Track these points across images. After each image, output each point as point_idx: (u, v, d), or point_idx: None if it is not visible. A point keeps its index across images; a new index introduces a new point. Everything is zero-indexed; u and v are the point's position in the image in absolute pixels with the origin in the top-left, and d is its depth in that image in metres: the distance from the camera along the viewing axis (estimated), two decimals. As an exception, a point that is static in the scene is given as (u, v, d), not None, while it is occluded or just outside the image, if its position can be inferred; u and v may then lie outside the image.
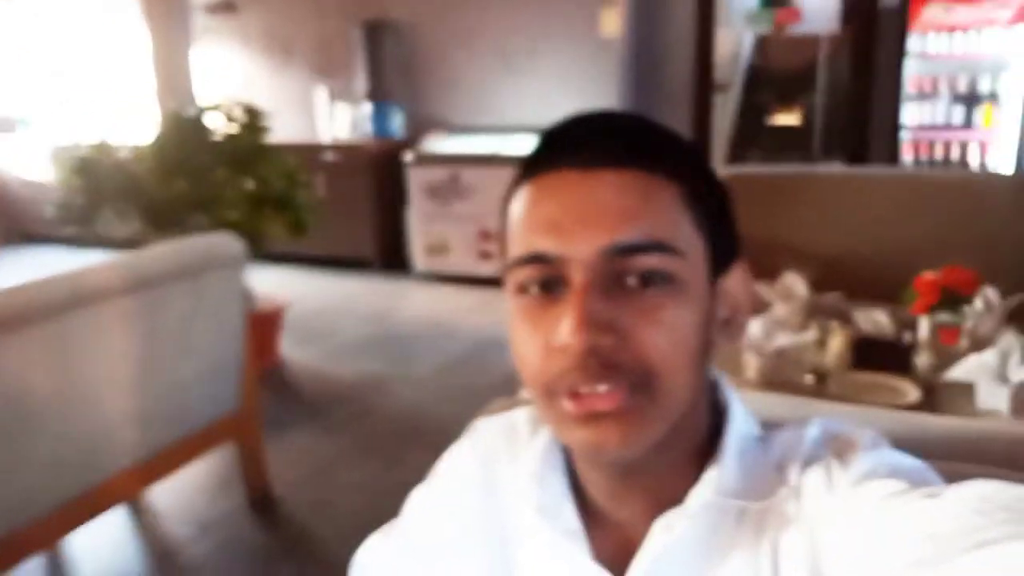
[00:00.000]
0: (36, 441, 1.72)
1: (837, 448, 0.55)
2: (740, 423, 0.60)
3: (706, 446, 0.59)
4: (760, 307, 2.09)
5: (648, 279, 0.51)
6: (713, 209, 0.56)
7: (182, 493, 2.48)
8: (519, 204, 0.56)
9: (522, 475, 0.62)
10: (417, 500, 0.71)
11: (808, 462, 0.55)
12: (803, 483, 0.54)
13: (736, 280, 0.59)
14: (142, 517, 2.38)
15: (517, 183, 0.57)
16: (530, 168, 0.56)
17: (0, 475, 1.65)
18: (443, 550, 0.67)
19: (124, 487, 2.03)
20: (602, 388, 0.51)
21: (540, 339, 0.52)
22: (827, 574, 0.50)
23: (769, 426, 0.61)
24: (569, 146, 0.54)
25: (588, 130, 0.55)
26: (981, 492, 0.43)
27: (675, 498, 0.56)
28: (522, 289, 0.54)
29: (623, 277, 0.51)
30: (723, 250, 0.57)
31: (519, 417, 0.69)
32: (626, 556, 0.57)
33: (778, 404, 0.87)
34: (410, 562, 0.69)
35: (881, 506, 0.47)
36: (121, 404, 1.94)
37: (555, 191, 0.53)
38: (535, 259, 0.53)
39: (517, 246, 0.54)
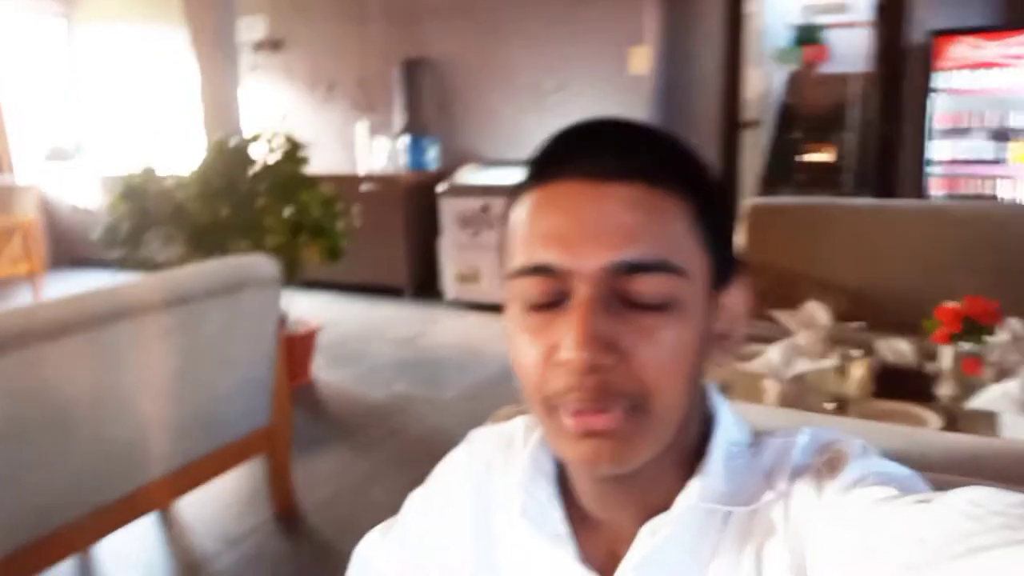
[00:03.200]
0: (74, 446, 1.78)
1: (827, 456, 0.55)
2: (727, 430, 0.59)
3: (695, 453, 0.58)
4: (782, 337, 2.10)
5: (651, 298, 0.51)
6: (718, 224, 0.55)
7: (210, 506, 2.54)
8: (522, 212, 0.54)
9: (511, 483, 0.62)
10: (414, 501, 0.73)
11: (797, 469, 0.55)
12: (792, 490, 0.54)
13: (735, 295, 0.58)
14: (171, 528, 2.44)
15: (520, 190, 0.56)
16: (535, 175, 0.55)
17: (38, 475, 1.71)
18: (435, 550, 0.69)
19: (156, 496, 2.09)
20: (599, 408, 0.50)
21: (540, 351, 0.52)
22: None
23: (760, 433, 0.61)
24: (577, 155, 0.53)
25: (597, 139, 0.54)
26: (972, 497, 0.43)
27: (664, 503, 0.56)
28: (523, 299, 0.53)
29: (627, 294, 0.51)
30: (724, 265, 0.56)
31: (516, 427, 0.69)
32: (614, 560, 0.57)
33: (787, 419, 0.87)
34: (406, 557, 0.71)
35: (870, 511, 0.47)
36: (157, 414, 2.01)
37: (562, 202, 0.52)
38: (539, 270, 0.52)
39: (520, 255, 0.53)
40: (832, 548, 0.48)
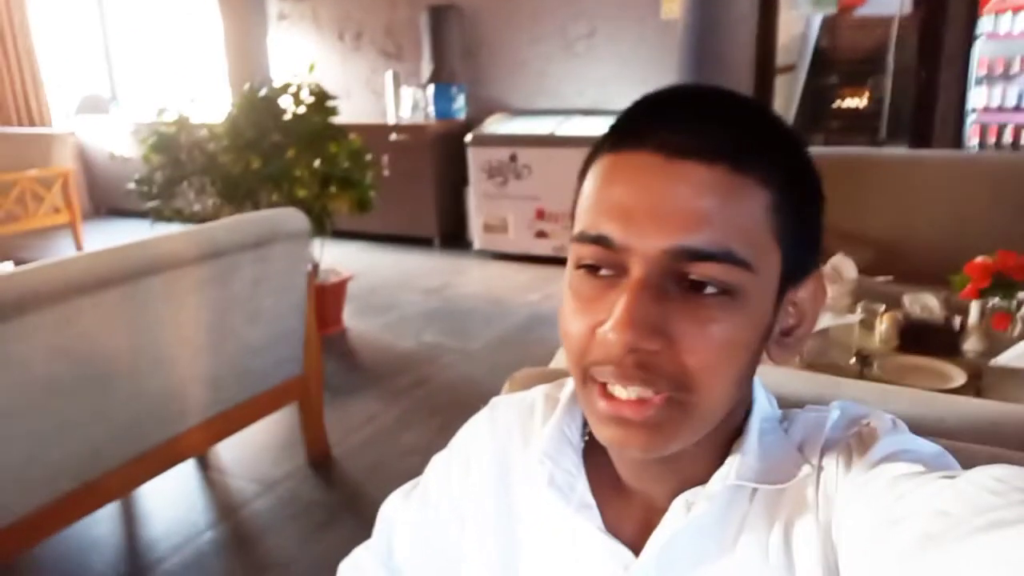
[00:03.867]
0: (114, 396, 1.84)
1: (858, 432, 0.54)
2: (762, 407, 0.59)
3: (735, 429, 0.58)
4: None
5: (708, 286, 0.48)
6: (801, 217, 0.52)
7: (246, 451, 2.63)
8: (595, 176, 0.52)
9: (534, 454, 0.62)
10: (437, 466, 0.74)
11: (829, 445, 0.55)
12: (823, 466, 0.54)
13: (808, 291, 0.55)
14: (209, 472, 2.53)
15: (598, 151, 0.54)
16: (614, 140, 0.52)
17: (79, 426, 1.77)
18: (455, 514, 0.70)
19: (193, 443, 2.16)
20: (634, 391, 0.49)
21: (587, 321, 0.51)
22: (840, 553, 0.50)
23: (789, 408, 0.61)
24: (657, 125, 0.50)
25: (682, 111, 0.51)
26: (997, 473, 0.42)
27: (699, 478, 0.56)
28: (581, 265, 0.52)
29: (684, 279, 0.48)
30: (801, 261, 0.53)
31: (537, 397, 0.69)
32: (643, 531, 0.58)
33: (803, 381, 0.87)
34: (427, 519, 0.72)
35: (894, 484, 0.47)
36: (193, 365, 2.07)
37: (633, 173, 0.50)
38: (599, 240, 0.50)
39: (584, 221, 0.52)
40: (856, 520, 0.48)
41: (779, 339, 0.55)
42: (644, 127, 0.50)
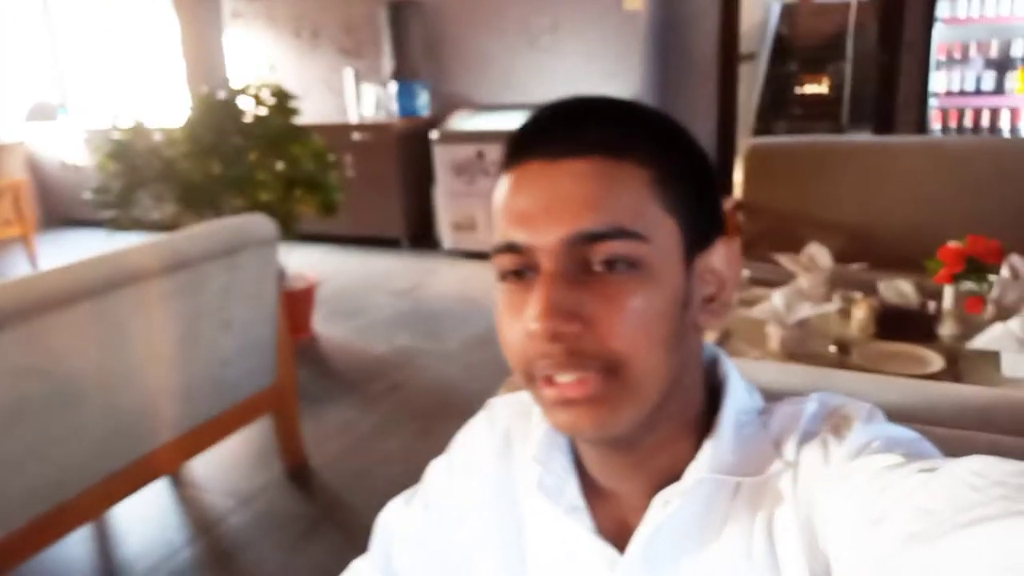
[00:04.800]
0: (84, 415, 1.79)
1: (834, 422, 0.56)
2: (738, 398, 0.60)
3: (704, 422, 0.59)
4: (784, 279, 2.10)
5: (613, 265, 0.52)
6: (688, 189, 0.56)
7: (221, 466, 2.56)
8: (499, 194, 0.57)
9: (528, 456, 0.64)
10: (436, 471, 0.75)
11: (805, 437, 0.56)
12: (800, 458, 0.55)
13: (720, 257, 0.58)
14: (183, 489, 2.47)
15: (500, 173, 0.59)
16: (508, 159, 0.58)
17: (50, 447, 1.72)
18: (459, 517, 0.70)
19: (167, 460, 2.11)
20: (570, 376, 0.52)
21: (519, 326, 0.54)
22: (823, 548, 0.51)
23: (770, 400, 0.62)
24: (538, 137, 0.56)
25: (555, 120, 0.56)
26: (975, 467, 0.43)
27: (675, 474, 0.57)
28: (503, 276, 0.56)
29: (589, 264, 0.52)
30: (701, 229, 0.57)
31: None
32: (626, 530, 0.59)
33: (798, 374, 0.87)
34: (430, 524, 0.73)
35: (876, 479, 0.48)
36: (163, 379, 2.02)
37: (525, 182, 0.55)
38: (509, 248, 0.55)
39: (497, 234, 0.57)
40: (840, 517, 0.49)
41: (704, 306, 0.58)
42: (529, 141, 0.56)
